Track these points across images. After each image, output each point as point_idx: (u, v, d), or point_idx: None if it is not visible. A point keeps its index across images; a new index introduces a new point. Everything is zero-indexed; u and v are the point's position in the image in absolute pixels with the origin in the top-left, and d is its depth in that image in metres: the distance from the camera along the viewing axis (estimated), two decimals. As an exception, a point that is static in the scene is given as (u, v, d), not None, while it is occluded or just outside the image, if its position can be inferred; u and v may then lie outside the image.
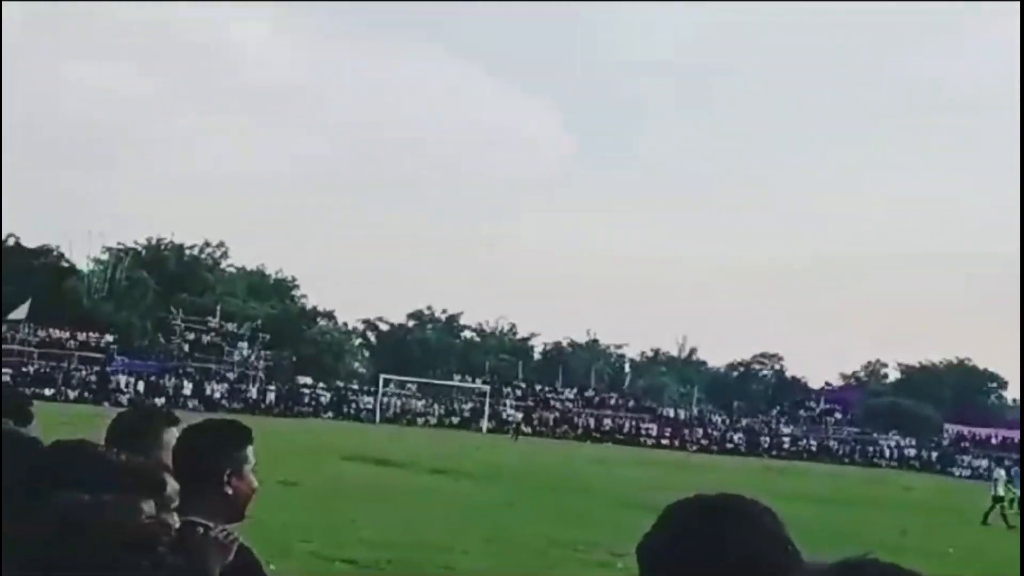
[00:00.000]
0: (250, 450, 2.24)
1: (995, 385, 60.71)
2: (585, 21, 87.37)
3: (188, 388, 48.13)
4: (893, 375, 64.62)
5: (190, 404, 42.85)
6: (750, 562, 1.05)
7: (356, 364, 54.59)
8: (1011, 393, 59.04)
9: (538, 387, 49.09)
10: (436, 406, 47.47)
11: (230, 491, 2.17)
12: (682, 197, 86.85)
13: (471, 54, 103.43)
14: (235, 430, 2.28)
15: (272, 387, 47.15)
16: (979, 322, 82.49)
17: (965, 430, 51.51)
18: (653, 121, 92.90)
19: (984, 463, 46.94)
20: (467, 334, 56.00)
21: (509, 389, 48.15)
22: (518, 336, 58.43)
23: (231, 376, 46.82)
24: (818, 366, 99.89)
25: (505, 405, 47.24)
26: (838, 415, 53.06)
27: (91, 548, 1.23)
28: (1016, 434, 48.79)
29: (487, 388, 46.95)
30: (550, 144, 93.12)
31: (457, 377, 48.00)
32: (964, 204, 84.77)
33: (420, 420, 46.83)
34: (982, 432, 51.53)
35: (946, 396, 56.51)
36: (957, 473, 47.50)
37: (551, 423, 47.77)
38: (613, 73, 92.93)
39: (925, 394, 56.63)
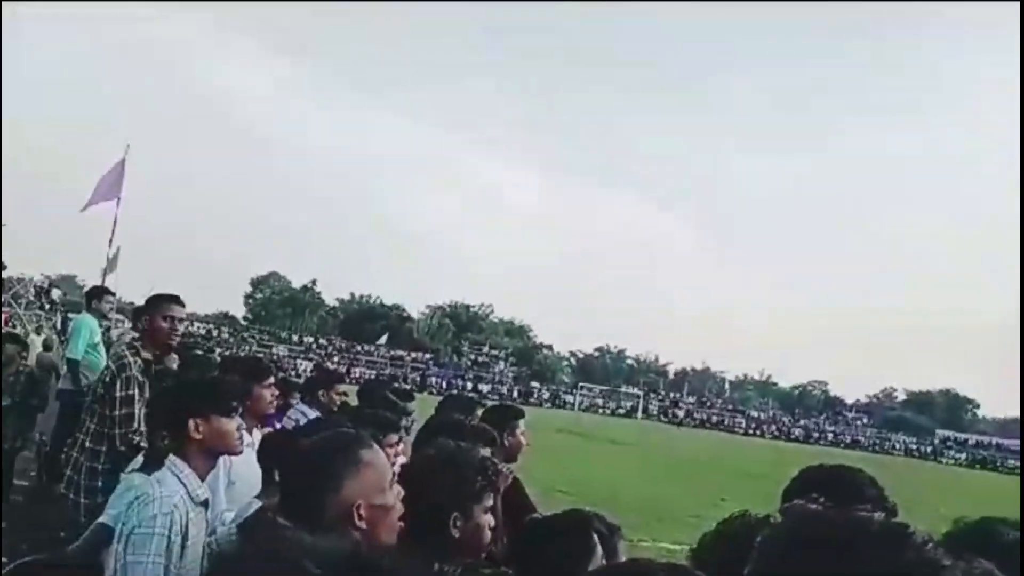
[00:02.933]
0: (520, 422, 3.97)
1: (971, 405, 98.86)
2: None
3: (469, 386, 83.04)
4: (902, 395, 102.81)
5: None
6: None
7: (564, 377, 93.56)
8: (982, 411, 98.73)
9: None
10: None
11: (507, 444, 3.76)
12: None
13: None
14: (509, 408, 4.13)
15: (518, 387, 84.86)
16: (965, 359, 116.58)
17: (949, 433, 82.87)
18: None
19: (963, 456, 72.18)
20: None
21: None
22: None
23: (494, 380, 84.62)
24: (851, 388, 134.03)
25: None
26: (864, 420, 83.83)
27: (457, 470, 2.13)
28: (986, 438, 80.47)
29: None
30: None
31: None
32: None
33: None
34: (961, 436, 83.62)
35: (937, 411, 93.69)
36: (944, 462, 67.30)
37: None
38: None
39: (923, 409, 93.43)
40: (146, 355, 4.48)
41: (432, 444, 2.48)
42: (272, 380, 4.06)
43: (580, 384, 78.22)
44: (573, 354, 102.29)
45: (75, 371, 7.81)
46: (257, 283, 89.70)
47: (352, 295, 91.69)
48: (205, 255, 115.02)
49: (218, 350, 23.59)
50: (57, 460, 6.10)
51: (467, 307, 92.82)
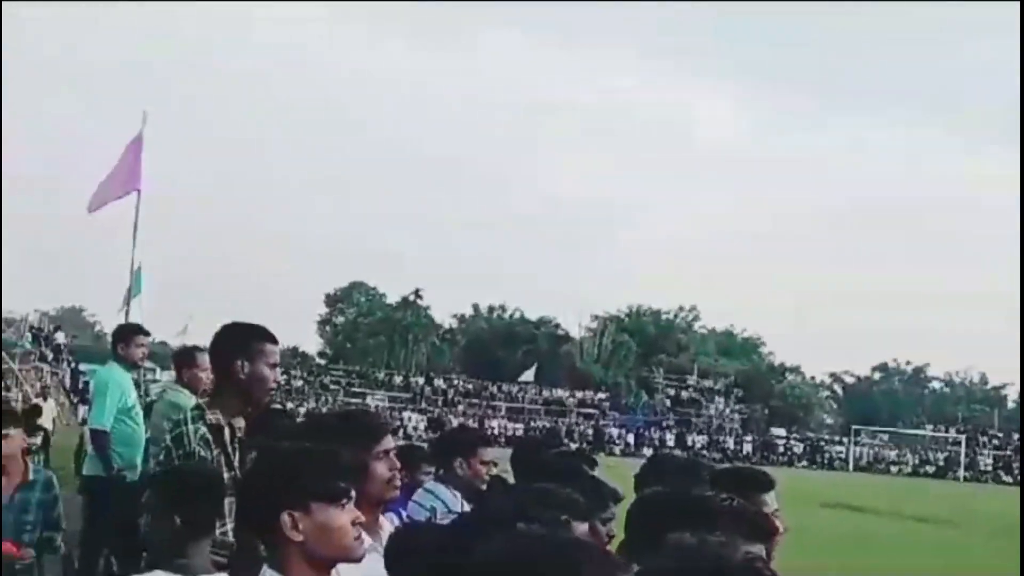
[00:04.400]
0: (768, 496, 3.31)
1: None
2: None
3: (671, 439, 63.65)
4: None
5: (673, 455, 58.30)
6: None
7: (824, 416, 68.09)
8: None
9: (1015, 435, 58.95)
10: (909, 455, 58.82)
11: None
12: None
13: None
14: (747, 475, 3.59)
15: (748, 438, 61.11)
16: None
17: None
18: None
19: None
20: (935, 384, 68.23)
21: (985, 438, 58.46)
22: (989, 385, 70.09)
23: (709, 428, 61.46)
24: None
25: (984, 454, 57.56)
26: None
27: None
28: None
29: (962, 438, 57.65)
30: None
31: (929, 427, 59.22)
32: None
33: (893, 469, 58.44)
34: None
35: None
36: None
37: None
38: None
39: None
40: (212, 419, 3.73)
41: (680, 545, 1.75)
42: (392, 445, 3.27)
43: (854, 427, 60.98)
44: (837, 378, 77.70)
45: (103, 447, 6.87)
46: (335, 301, 76.97)
47: (476, 308, 76.83)
48: (254, 266, 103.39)
49: (289, 404, 20.53)
50: (92, 570, 6.38)
51: (657, 313, 71.19)
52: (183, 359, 6.66)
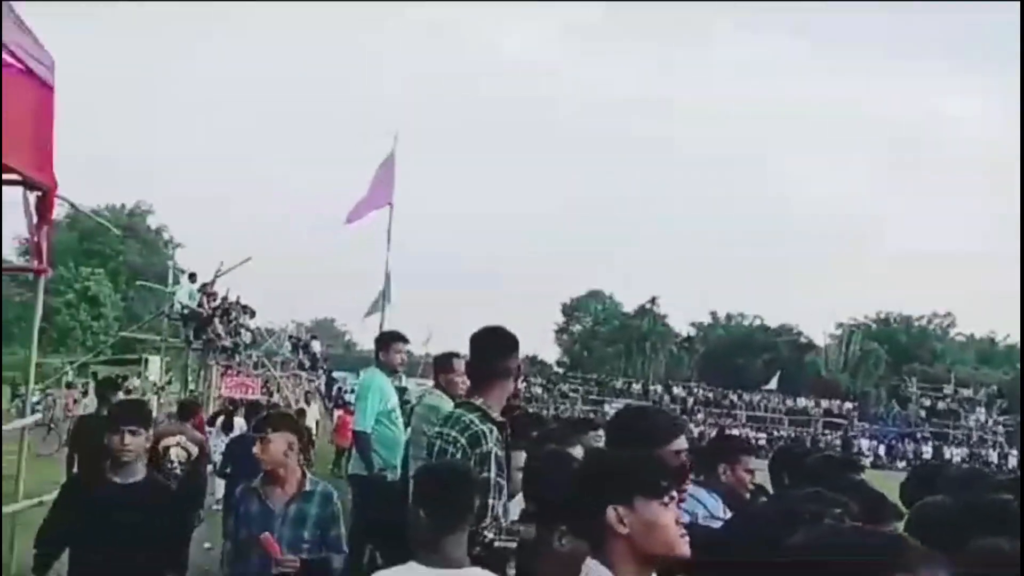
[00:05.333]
0: None
1: None
2: None
3: (927, 451, 60.27)
4: None
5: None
6: None
7: None
8: None
9: None
10: None
11: None
12: None
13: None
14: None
15: (1014, 451, 56.79)
16: None
17: None
18: None
19: None
20: None
21: None
22: None
23: (969, 440, 57.75)
24: None
25: None
26: None
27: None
28: None
29: None
30: None
31: None
32: None
33: None
34: None
35: None
36: None
37: None
38: None
39: None
40: (498, 419, 3.87)
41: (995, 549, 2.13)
42: (684, 446, 3.29)
43: None
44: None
45: (365, 448, 7.19)
46: (572, 310, 77.70)
47: (715, 316, 76.30)
48: (490, 272, 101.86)
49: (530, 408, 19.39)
50: (357, 563, 6.25)
51: (908, 319, 68.17)
52: (441, 365, 6.65)
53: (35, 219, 6.00)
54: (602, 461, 2.64)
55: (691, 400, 59.57)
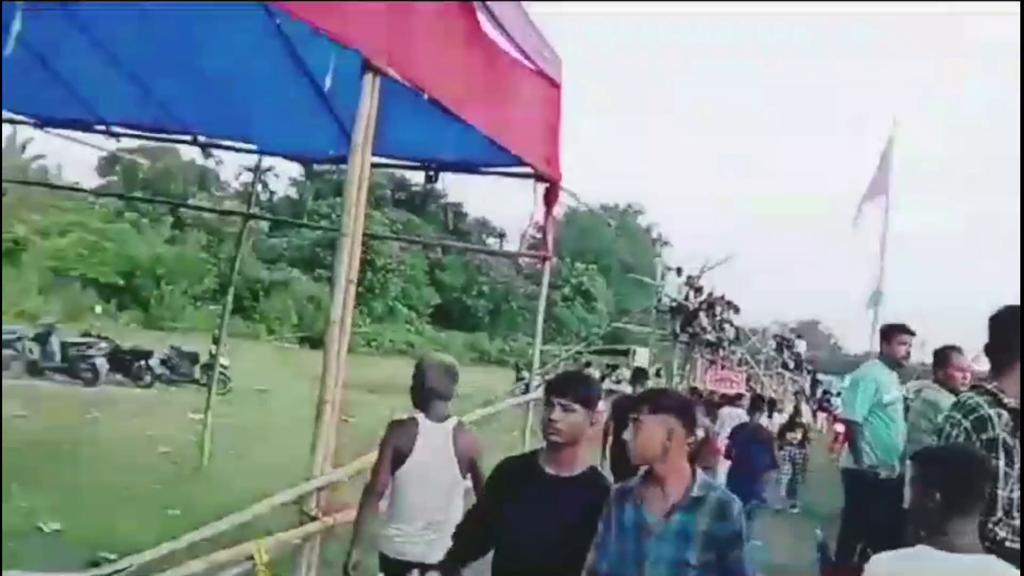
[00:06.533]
0: None
1: None
2: None
3: None
4: None
5: None
6: None
7: None
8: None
9: None
10: None
11: None
12: None
13: None
14: None
15: None
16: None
17: None
18: None
19: None
20: None
21: None
22: None
23: None
24: None
25: None
26: None
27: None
28: None
29: None
30: None
31: None
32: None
33: None
34: None
35: None
36: None
37: None
38: None
39: None
40: (1011, 403, 3.58)
41: None
42: None
43: None
44: None
45: (854, 439, 7.06)
46: None
47: None
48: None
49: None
50: (846, 560, 6.55)
51: None
52: (939, 359, 6.52)
53: (543, 209, 6.50)
54: None
55: None
